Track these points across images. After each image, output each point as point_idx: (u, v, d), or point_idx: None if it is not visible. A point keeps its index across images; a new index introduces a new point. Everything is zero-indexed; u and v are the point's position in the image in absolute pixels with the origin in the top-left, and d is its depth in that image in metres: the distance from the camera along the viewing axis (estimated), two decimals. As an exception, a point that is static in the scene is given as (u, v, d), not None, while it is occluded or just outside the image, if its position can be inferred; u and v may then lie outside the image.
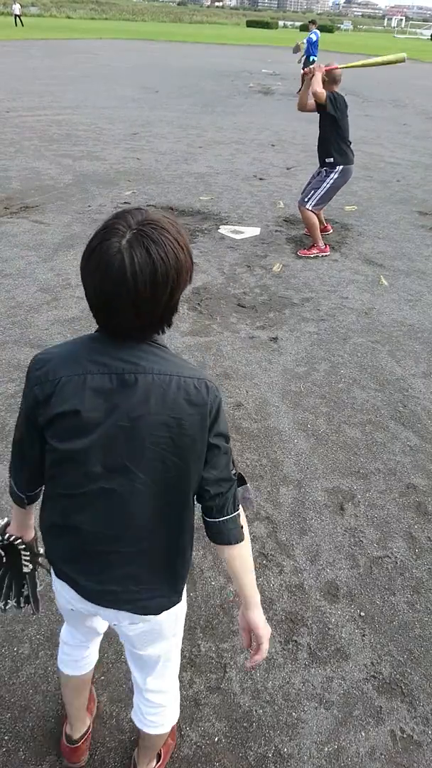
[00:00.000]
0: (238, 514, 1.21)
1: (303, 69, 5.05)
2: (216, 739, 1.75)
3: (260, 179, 7.81)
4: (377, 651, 2.03)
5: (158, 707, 1.44)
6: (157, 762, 1.63)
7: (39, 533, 1.30)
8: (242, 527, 1.22)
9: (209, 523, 1.20)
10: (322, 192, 5.10)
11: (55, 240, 5.32)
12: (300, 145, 9.88)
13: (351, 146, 5.07)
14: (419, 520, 2.58)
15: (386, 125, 12.30)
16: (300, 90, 4.94)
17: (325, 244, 5.43)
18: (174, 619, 1.30)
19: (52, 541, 1.22)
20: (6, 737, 1.72)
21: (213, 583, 2.23)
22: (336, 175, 5.05)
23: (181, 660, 1.95)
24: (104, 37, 35.44)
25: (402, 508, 2.64)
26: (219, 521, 1.19)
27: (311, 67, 4.87)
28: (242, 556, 1.23)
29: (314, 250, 5.37)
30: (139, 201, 6.53)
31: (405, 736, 1.79)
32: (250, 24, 67.76)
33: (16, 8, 39.58)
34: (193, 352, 3.73)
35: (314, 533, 2.48)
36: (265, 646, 1.27)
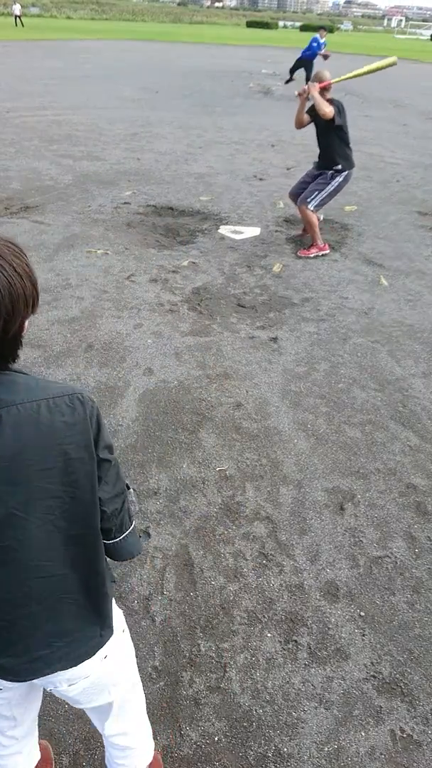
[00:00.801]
0: (135, 525, 1.17)
1: (296, 92, 5.06)
2: (216, 739, 1.75)
3: (260, 179, 7.81)
4: (377, 651, 2.03)
5: (125, 749, 1.33)
6: None
7: None
8: (140, 536, 1.17)
9: (109, 545, 1.12)
10: (326, 194, 5.14)
11: (55, 240, 5.32)
12: (300, 146, 9.88)
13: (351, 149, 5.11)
14: (419, 520, 2.58)
15: (386, 125, 12.30)
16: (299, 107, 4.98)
17: (325, 243, 5.43)
18: (116, 663, 1.20)
19: None
20: None
21: (213, 582, 2.23)
22: (341, 179, 5.11)
23: (181, 660, 1.96)
24: (104, 37, 35.46)
25: (402, 508, 2.64)
26: (120, 539, 1.13)
27: (304, 87, 4.89)
28: None
29: (313, 250, 5.37)
30: (139, 201, 6.53)
31: (405, 735, 1.79)
32: (250, 24, 67.78)
33: (17, 8, 39.61)
34: (193, 352, 3.74)
35: (314, 533, 2.48)
36: None
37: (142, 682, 1.90)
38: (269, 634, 2.06)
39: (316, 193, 5.15)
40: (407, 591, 2.25)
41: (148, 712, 1.79)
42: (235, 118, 12.22)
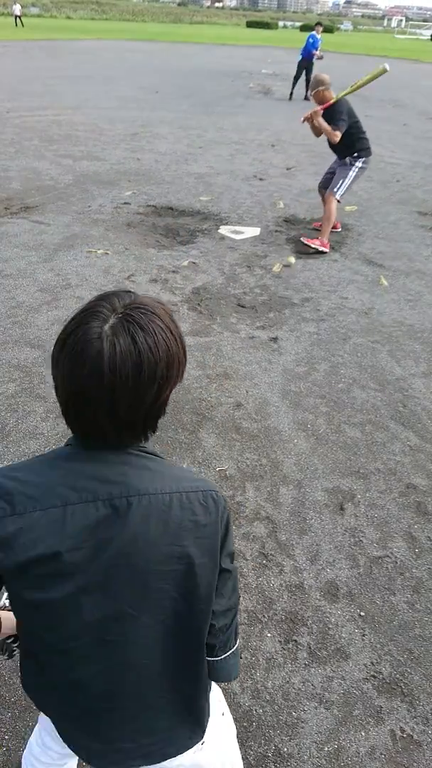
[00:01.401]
0: (239, 643, 1.09)
1: (302, 120, 5.16)
2: (216, 739, 1.75)
3: (260, 179, 7.81)
4: (377, 651, 2.03)
5: None
6: None
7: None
8: (240, 657, 1.10)
9: (209, 662, 1.04)
10: (350, 180, 5.24)
11: (55, 240, 5.32)
12: (300, 146, 9.89)
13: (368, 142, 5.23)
14: (419, 520, 2.58)
15: (386, 125, 12.30)
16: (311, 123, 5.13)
17: (328, 242, 5.46)
18: (212, 749, 1.12)
19: (41, 699, 1.05)
20: (6, 736, 1.73)
21: (213, 582, 2.23)
22: (360, 164, 5.22)
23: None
24: (104, 37, 35.46)
25: (402, 508, 2.64)
26: (222, 658, 1.05)
27: (307, 114, 5.03)
28: None
29: (317, 242, 5.41)
30: (139, 201, 6.53)
31: (405, 735, 1.79)
32: (250, 24, 67.79)
33: (17, 9, 39.63)
34: (193, 352, 3.73)
35: (314, 533, 2.48)
36: None
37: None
38: (269, 634, 2.06)
39: (341, 180, 5.25)
40: (407, 591, 2.25)
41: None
42: (235, 118, 12.22)
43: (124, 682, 0.95)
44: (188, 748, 1.06)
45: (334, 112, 4.92)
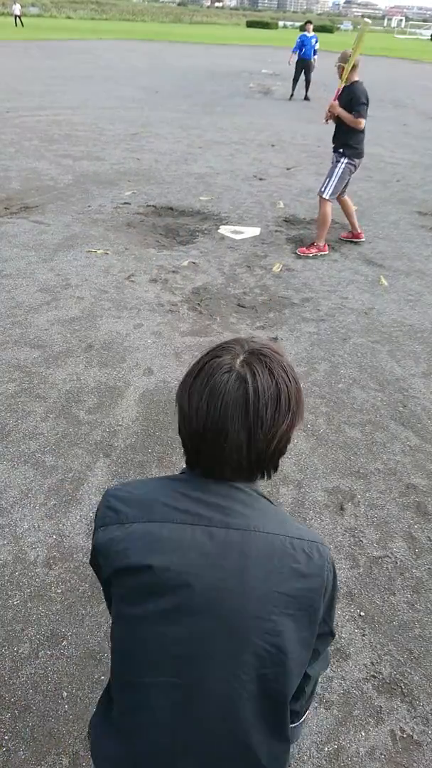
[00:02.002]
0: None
1: (324, 121, 5.04)
2: (216, 739, 1.75)
3: (260, 179, 7.81)
4: (377, 651, 2.03)
5: None
6: None
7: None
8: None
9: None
10: (336, 179, 5.06)
11: (55, 240, 5.32)
12: (300, 146, 9.89)
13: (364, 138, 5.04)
14: (419, 520, 2.58)
15: (386, 125, 12.30)
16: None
17: (325, 244, 5.42)
18: None
19: (102, 743, 0.93)
20: (6, 737, 1.72)
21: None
22: (346, 161, 5.01)
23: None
24: (104, 37, 35.46)
25: (402, 508, 2.64)
26: (297, 725, 0.98)
27: (328, 114, 4.88)
28: None
29: (313, 249, 5.36)
30: (139, 201, 6.53)
31: (405, 736, 1.79)
32: (250, 24, 67.78)
33: (17, 8, 39.63)
34: (193, 352, 3.73)
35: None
36: None
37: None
38: (269, 634, 2.05)
39: (328, 179, 5.11)
40: (407, 591, 2.25)
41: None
42: (235, 118, 12.22)
43: (193, 736, 0.84)
44: None
45: (353, 96, 4.68)
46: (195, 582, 0.80)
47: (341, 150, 5.00)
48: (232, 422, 0.79)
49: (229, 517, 0.83)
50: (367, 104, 4.76)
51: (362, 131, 4.95)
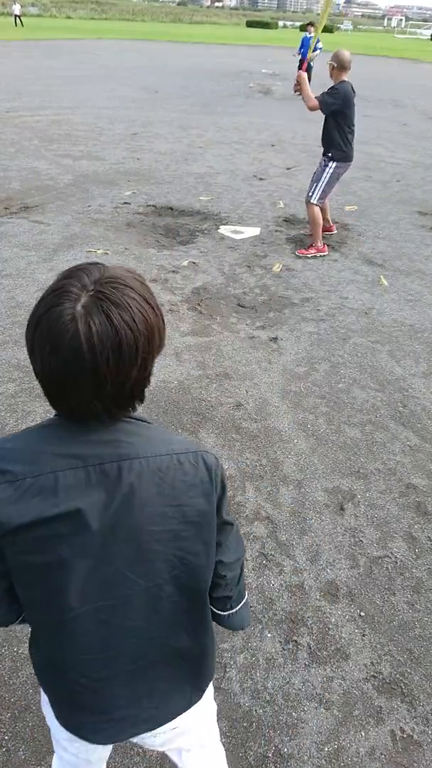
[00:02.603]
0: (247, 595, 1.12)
1: (293, 91, 5.03)
2: (216, 739, 1.75)
3: (260, 179, 7.81)
4: (377, 651, 2.03)
5: None
6: None
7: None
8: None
9: (224, 615, 1.07)
10: (323, 183, 5.06)
11: (55, 240, 5.32)
12: (300, 145, 9.88)
13: (352, 140, 4.98)
14: (419, 520, 2.58)
15: (386, 125, 12.30)
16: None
17: (324, 244, 5.42)
18: (199, 713, 1.14)
19: (48, 681, 1.04)
20: (6, 737, 1.72)
21: (213, 583, 2.23)
22: (333, 166, 5.00)
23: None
24: (104, 37, 35.46)
25: (402, 508, 2.64)
26: (238, 609, 1.08)
27: (296, 82, 4.81)
28: None
29: (312, 250, 5.37)
30: (139, 201, 6.53)
31: (405, 736, 1.79)
32: (250, 24, 67.80)
33: (17, 9, 39.68)
34: (193, 352, 3.73)
35: (314, 533, 2.48)
36: None
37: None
38: (269, 634, 2.06)
39: (315, 185, 5.11)
40: (407, 591, 2.25)
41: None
42: (235, 118, 12.22)
43: (123, 647, 0.95)
44: (186, 710, 1.08)
45: (332, 90, 4.71)
46: (97, 517, 0.85)
47: (330, 154, 4.98)
48: (79, 374, 0.78)
49: (118, 449, 0.86)
50: (342, 104, 4.72)
51: (350, 132, 4.91)
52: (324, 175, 5.04)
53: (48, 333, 0.77)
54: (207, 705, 1.18)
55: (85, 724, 1.03)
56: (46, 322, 0.78)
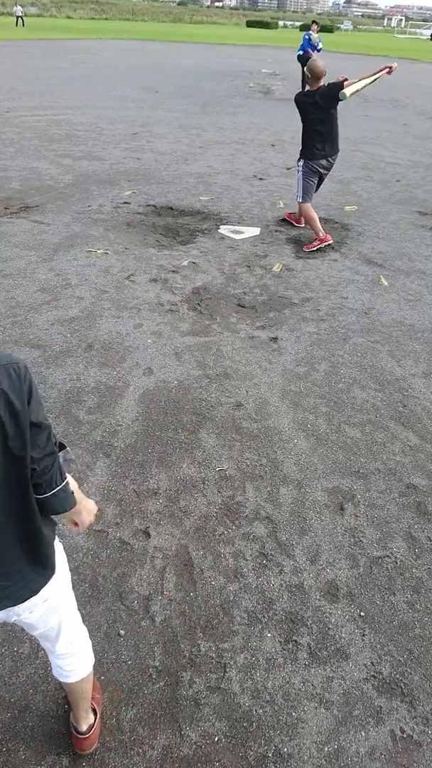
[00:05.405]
0: (67, 482, 1.30)
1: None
2: (216, 739, 1.75)
3: (260, 179, 7.81)
4: (377, 651, 2.03)
5: (71, 656, 1.55)
6: (95, 717, 1.72)
7: None
8: (73, 492, 1.33)
9: (41, 500, 1.26)
10: (300, 182, 5.48)
11: (55, 240, 5.32)
12: (300, 146, 9.86)
13: (323, 141, 5.27)
14: (419, 520, 2.58)
15: (386, 125, 12.30)
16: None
17: (326, 234, 5.52)
18: (60, 586, 1.41)
19: None
20: (6, 737, 1.72)
21: (213, 583, 2.23)
22: (301, 165, 5.42)
23: (181, 660, 1.96)
24: (104, 37, 35.46)
25: (402, 508, 2.64)
26: (51, 494, 1.27)
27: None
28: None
29: (316, 243, 5.48)
30: (139, 201, 6.53)
31: (405, 736, 1.79)
32: (250, 24, 67.83)
33: (18, 10, 39.82)
34: (193, 352, 3.73)
35: (314, 533, 2.48)
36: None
37: (142, 682, 1.88)
38: (269, 634, 2.06)
39: (296, 187, 5.58)
40: (407, 591, 2.25)
41: (148, 713, 1.81)
42: (235, 118, 12.22)
43: None
44: (44, 585, 1.33)
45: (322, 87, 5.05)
46: None
47: (299, 155, 5.44)
48: None
49: None
50: (302, 108, 5.18)
51: (313, 134, 5.24)
52: (297, 176, 5.52)
53: None
54: (62, 576, 1.43)
55: None
56: None
